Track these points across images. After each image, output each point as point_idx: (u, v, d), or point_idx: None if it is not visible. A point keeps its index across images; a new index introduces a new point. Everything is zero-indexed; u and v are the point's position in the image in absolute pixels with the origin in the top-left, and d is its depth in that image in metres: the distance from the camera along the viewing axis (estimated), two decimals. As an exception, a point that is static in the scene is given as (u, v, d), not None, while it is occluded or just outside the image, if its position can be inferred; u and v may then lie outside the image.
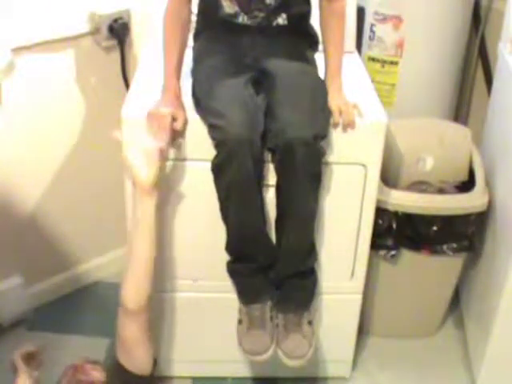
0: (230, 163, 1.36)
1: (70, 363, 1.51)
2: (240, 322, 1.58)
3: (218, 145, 1.38)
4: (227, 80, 1.42)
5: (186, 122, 1.46)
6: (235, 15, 1.47)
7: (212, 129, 1.40)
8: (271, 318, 1.55)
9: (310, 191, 1.45)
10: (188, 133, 1.48)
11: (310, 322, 1.56)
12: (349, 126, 1.47)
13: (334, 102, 1.47)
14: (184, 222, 1.59)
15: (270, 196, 1.51)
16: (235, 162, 1.36)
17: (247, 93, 1.41)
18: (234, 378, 1.87)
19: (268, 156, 1.45)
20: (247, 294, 1.57)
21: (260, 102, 1.42)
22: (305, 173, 1.40)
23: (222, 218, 1.48)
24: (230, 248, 1.53)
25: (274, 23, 1.49)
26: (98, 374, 1.47)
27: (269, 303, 1.56)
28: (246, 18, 1.47)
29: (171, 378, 1.84)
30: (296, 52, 1.52)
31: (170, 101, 1.46)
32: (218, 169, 1.40)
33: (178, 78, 1.50)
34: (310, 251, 1.54)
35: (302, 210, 1.46)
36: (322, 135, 1.41)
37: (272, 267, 1.56)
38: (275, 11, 1.46)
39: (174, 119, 1.43)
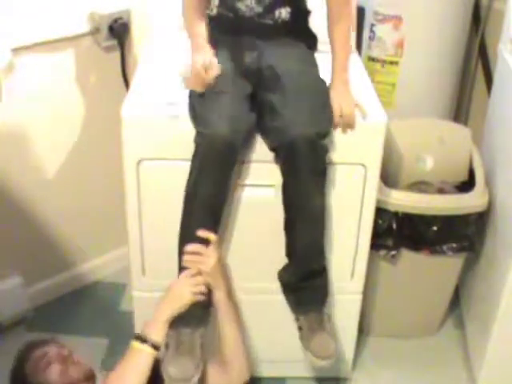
0: (200, 172, 1.40)
1: None
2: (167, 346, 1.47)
3: (196, 151, 1.41)
4: (223, 90, 1.42)
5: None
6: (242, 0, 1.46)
7: (197, 134, 1.42)
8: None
9: (316, 188, 1.45)
10: (187, 133, 1.48)
11: (329, 317, 1.58)
12: (348, 127, 1.47)
13: (336, 100, 1.47)
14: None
15: (271, 196, 1.51)
16: (204, 175, 1.40)
17: (240, 107, 1.42)
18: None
19: (270, 156, 1.46)
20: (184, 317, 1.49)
21: (253, 119, 1.44)
22: (309, 170, 1.41)
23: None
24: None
25: (277, 13, 1.48)
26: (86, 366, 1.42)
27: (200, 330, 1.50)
28: (253, 1, 1.46)
29: (171, 378, 1.84)
30: (297, 51, 1.52)
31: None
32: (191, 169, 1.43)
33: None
34: (322, 249, 1.55)
35: (310, 207, 1.46)
36: (324, 132, 1.42)
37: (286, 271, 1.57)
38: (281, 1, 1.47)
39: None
